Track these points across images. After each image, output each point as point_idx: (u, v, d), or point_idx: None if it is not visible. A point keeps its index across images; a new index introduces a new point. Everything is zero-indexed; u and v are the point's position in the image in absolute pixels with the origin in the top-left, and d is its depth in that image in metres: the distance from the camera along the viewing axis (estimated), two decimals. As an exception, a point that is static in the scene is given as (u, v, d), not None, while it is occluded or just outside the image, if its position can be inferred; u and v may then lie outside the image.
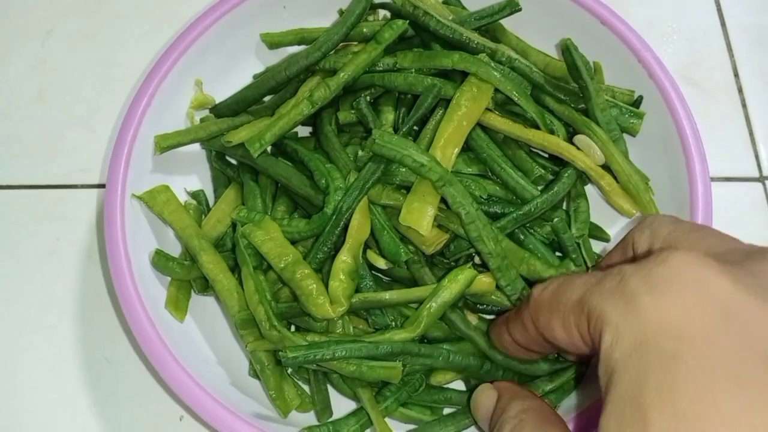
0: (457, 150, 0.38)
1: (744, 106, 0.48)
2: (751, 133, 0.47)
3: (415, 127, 0.39)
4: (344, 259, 0.35)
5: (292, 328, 0.37)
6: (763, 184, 0.45)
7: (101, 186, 0.45)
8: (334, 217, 0.36)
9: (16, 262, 0.43)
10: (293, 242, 0.37)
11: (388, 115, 0.41)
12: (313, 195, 0.38)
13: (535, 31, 0.44)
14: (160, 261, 0.37)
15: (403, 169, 0.37)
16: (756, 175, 0.46)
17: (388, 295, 0.35)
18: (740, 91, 0.48)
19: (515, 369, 0.35)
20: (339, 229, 0.36)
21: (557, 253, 0.39)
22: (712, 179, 0.44)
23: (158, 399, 0.38)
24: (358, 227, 0.36)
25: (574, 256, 0.37)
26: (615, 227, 0.41)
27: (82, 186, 0.45)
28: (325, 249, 0.36)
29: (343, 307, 0.34)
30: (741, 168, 0.46)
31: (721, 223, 0.41)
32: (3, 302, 0.42)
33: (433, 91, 0.38)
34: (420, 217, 0.36)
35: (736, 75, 0.49)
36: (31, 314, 0.41)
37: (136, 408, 0.39)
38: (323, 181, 0.38)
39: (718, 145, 0.46)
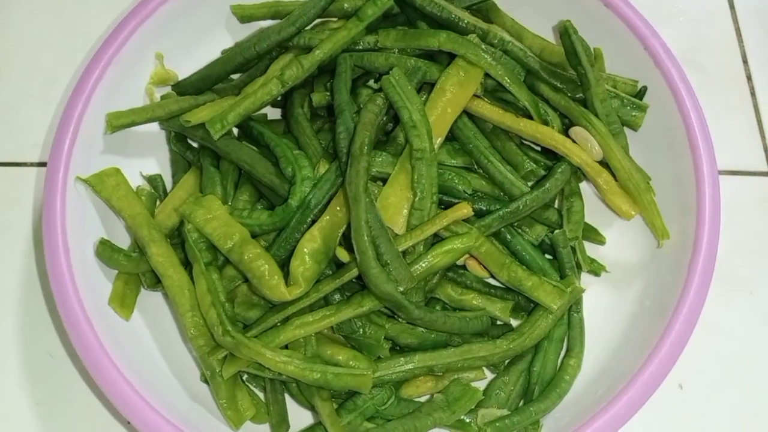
0: (440, 140, 0.35)
1: (753, 94, 0.45)
2: (759, 124, 0.44)
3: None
4: (312, 238, 0.32)
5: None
6: (772, 178, 0.42)
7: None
8: (300, 211, 0.33)
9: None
10: (254, 236, 0.33)
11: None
12: (278, 184, 0.34)
13: (532, 12, 0.40)
14: (105, 252, 0.34)
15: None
16: (764, 168, 0.43)
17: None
18: (749, 78, 0.45)
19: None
20: (305, 225, 0.33)
21: (547, 256, 0.36)
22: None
23: (106, 401, 0.35)
24: (340, 207, 0.32)
25: (568, 264, 0.34)
26: (612, 230, 0.38)
27: (32, 164, 0.42)
28: (288, 246, 0.33)
29: (300, 289, 0.31)
30: (748, 161, 0.43)
31: (725, 220, 0.38)
32: (-60, 290, 0.38)
33: (348, 61, 0.35)
34: (395, 214, 0.33)
35: (745, 62, 0.46)
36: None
37: (82, 408, 0.36)
38: (289, 170, 0.34)
39: (723, 136, 0.42)
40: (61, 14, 0.46)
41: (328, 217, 0.33)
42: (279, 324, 0.32)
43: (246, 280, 0.33)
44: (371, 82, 0.38)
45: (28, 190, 0.41)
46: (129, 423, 0.35)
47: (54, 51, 0.45)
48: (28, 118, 0.43)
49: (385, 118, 0.35)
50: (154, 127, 0.39)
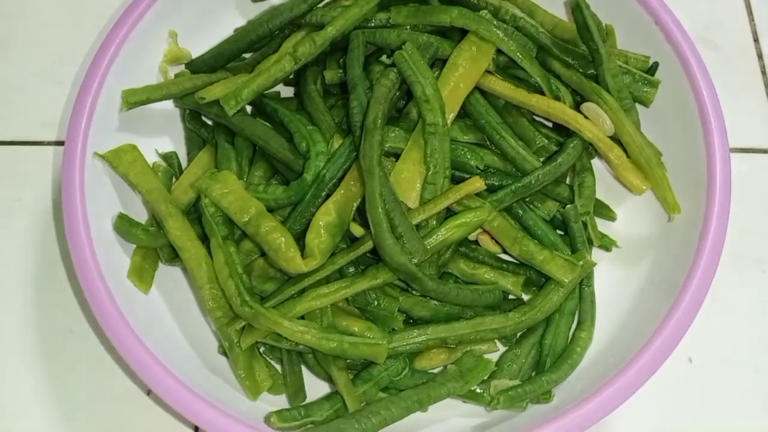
0: (452, 115, 0.35)
1: (764, 73, 0.45)
2: (771, 103, 0.44)
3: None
4: (327, 211, 0.32)
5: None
6: (786, 158, 0.42)
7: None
8: (314, 185, 0.33)
9: (-26, 223, 0.40)
10: (270, 210, 0.34)
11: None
12: (293, 159, 0.35)
13: (544, -12, 0.40)
14: (123, 226, 0.34)
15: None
16: (775, 146, 0.43)
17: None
18: (760, 57, 0.45)
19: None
20: (320, 199, 0.33)
21: (558, 231, 0.36)
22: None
23: (128, 371, 0.36)
24: (354, 181, 0.33)
25: (579, 238, 0.34)
26: (623, 206, 0.38)
27: (47, 143, 0.42)
28: (303, 220, 0.33)
29: (316, 261, 0.31)
30: (759, 139, 0.43)
31: (736, 198, 0.38)
32: (-42, 265, 0.39)
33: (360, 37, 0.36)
34: (409, 188, 0.33)
35: (756, 40, 0.46)
36: (-13, 280, 0.39)
37: (101, 381, 0.37)
38: (304, 145, 0.34)
39: (735, 115, 0.42)
40: (71, -8, 0.47)
41: (342, 191, 0.33)
42: (295, 295, 0.32)
43: (262, 254, 0.34)
44: (384, 58, 0.38)
45: (43, 167, 0.42)
46: (149, 394, 0.36)
47: (61, 30, 0.46)
48: (37, 97, 0.44)
49: (398, 93, 0.35)
50: (168, 105, 0.40)
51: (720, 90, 0.38)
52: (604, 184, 0.38)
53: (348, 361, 0.32)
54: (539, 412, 0.32)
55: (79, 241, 0.32)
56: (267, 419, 0.31)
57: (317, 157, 0.34)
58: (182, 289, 0.36)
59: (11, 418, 0.36)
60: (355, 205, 0.33)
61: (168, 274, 0.36)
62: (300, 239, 0.33)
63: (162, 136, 0.39)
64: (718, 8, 0.47)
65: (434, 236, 0.32)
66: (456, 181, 0.35)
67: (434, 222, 0.33)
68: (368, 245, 0.32)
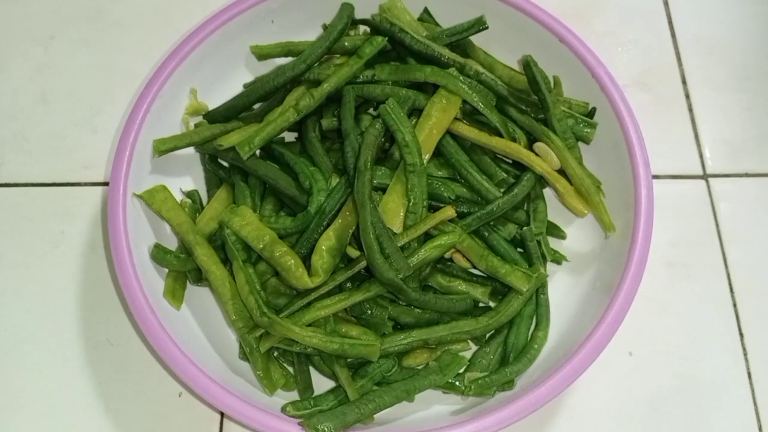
0: (428, 156, 0.42)
1: (690, 110, 0.52)
2: (696, 136, 0.51)
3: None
4: (329, 237, 0.39)
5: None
6: (707, 181, 0.50)
7: (104, 183, 0.49)
8: (317, 216, 0.40)
9: (23, 254, 0.46)
10: (280, 237, 0.41)
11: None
12: (298, 195, 0.42)
13: (501, 46, 0.48)
14: (159, 254, 0.41)
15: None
16: (700, 173, 0.50)
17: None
18: (687, 96, 0.53)
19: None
20: (321, 227, 0.40)
21: (518, 249, 0.43)
22: (661, 176, 0.49)
23: (158, 377, 0.42)
24: (350, 212, 0.39)
25: (535, 254, 0.42)
26: (570, 226, 0.45)
27: (86, 183, 0.49)
28: (308, 245, 0.40)
29: (320, 278, 0.38)
30: (687, 167, 0.50)
31: (667, 217, 0.46)
32: (11, 290, 0.45)
33: (351, 93, 0.43)
34: (394, 216, 0.40)
35: (684, 82, 0.53)
36: (37, 301, 0.45)
37: (137, 386, 0.42)
38: (307, 183, 0.42)
39: (667, 146, 0.50)
40: (100, 53, 0.53)
41: (340, 221, 0.40)
42: (303, 307, 0.39)
43: (275, 275, 0.41)
44: (371, 110, 0.45)
45: (83, 205, 0.48)
46: (180, 395, 0.43)
47: (95, 85, 0.52)
48: (77, 143, 0.50)
49: (383, 139, 0.43)
50: (189, 150, 0.46)
51: (653, 125, 0.45)
52: (555, 208, 0.45)
53: (348, 360, 0.39)
54: (504, 397, 0.39)
55: (124, 267, 0.39)
56: (284, 409, 0.38)
57: (318, 192, 0.41)
58: (206, 306, 0.43)
59: (65, 418, 0.42)
60: (351, 231, 0.40)
61: (193, 293, 0.43)
62: (306, 261, 0.40)
63: (185, 176, 0.46)
64: (652, 56, 0.54)
65: (416, 256, 0.39)
66: (432, 209, 0.42)
67: (415, 244, 0.40)
68: (362, 264, 0.39)
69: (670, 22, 0.56)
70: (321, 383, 0.41)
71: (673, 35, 0.55)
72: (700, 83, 0.53)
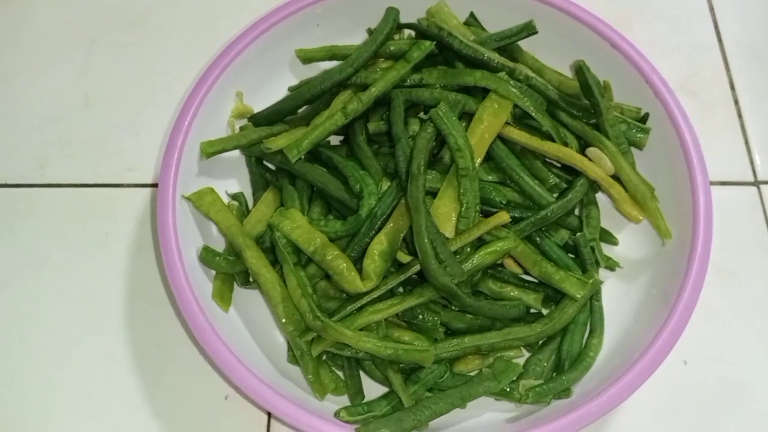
0: (479, 160, 0.42)
1: (740, 116, 0.52)
2: (746, 141, 0.51)
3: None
4: (380, 241, 0.38)
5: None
6: (758, 187, 0.49)
7: (148, 185, 0.49)
8: (369, 219, 0.40)
9: (69, 256, 0.46)
10: (330, 241, 0.40)
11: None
12: (348, 198, 0.41)
13: (550, 51, 0.47)
14: (208, 256, 0.41)
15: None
16: (751, 179, 0.49)
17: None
18: (736, 102, 0.52)
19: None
20: (373, 231, 0.40)
21: (570, 255, 0.43)
22: (710, 184, 0.48)
23: (205, 380, 0.42)
24: (401, 216, 0.39)
25: (588, 261, 0.41)
26: (623, 232, 0.45)
27: (129, 185, 0.49)
28: (359, 248, 0.40)
29: (373, 282, 0.37)
30: (737, 173, 0.50)
31: (716, 222, 0.45)
32: (57, 293, 0.45)
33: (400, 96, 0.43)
34: (446, 221, 0.40)
35: (732, 88, 0.53)
36: (83, 304, 0.45)
37: (184, 388, 0.42)
38: (357, 187, 0.41)
39: (715, 152, 0.49)
40: (141, 57, 0.53)
41: (391, 225, 0.40)
42: (355, 312, 0.39)
43: (324, 278, 0.40)
44: (421, 114, 0.45)
45: (127, 206, 0.48)
46: (227, 398, 0.42)
47: (137, 88, 0.52)
48: (120, 146, 0.50)
49: (434, 143, 0.42)
50: (234, 153, 0.46)
51: (701, 131, 0.44)
52: (606, 214, 0.44)
53: (401, 365, 0.39)
54: (560, 405, 0.38)
55: (174, 269, 0.39)
56: (337, 414, 0.37)
57: (369, 196, 0.40)
58: (254, 308, 0.43)
59: (114, 421, 0.41)
60: (402, 235, 0.40)
61: (241, 296, 0.43)
62: (356, 264, 0.40)
63: (230, 178, 0.46)
64: (700, 60, 0.53)
65: (470, 261, 0.39)
66: (483, 213, 0.41)
67: (468, 249, 0.40)
68: (415, 268, 0.39)
69: (716, 27, 0.55)
70: (370, 388, 0.40)
71: (719, 40, 0.55)
72: (748, 88, 0.53)
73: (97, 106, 0.52)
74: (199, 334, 0.37)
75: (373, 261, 0.38)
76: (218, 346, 0.37)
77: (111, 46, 0.54)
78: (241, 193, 0.45)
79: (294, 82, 0.48)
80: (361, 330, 0.38)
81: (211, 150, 0.43)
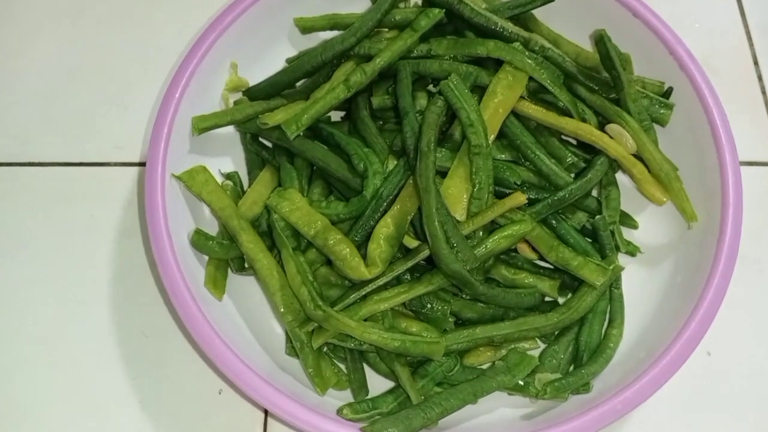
0: (492, 136, 0.39)
1: (764, 93, 0.49)
2: (771, 120, 0.48)
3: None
4: (386, 224, 0.36)
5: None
6: (783, 169, 0.46)
7: (136, 164, 0.46)
8: (374, 201, 0.37)
9: (52, 239, 0.43)
10: (332, 224, 0.37)
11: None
12: (351, 178, 0.39)
13: (566, 22, 0.44)
14: (200, 240, 0.38)
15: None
16: (776, 159, 0.47)
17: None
18: (760, 78, 0.49)
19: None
20: (378, 213, 0.37)
21: (587, 239, 0.40)
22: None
23: (197, 373, 0.39)
24: (409, 197, 0.36)
25: (608, 245, 0.38)
26: (644, 215, 0.42)
27: (116, 164, 0.46)
28: (364, 232, 0.37)
29: (378, 269, 0.35)
30: (760, 153, 0.47)
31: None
32: (41, 278, 0.42)
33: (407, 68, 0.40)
34: (457, 203, 0.37)
35: (756, 63, 0.50)
36: (68, 290, 0.42)
37: (175, 382, 0.40)
38: (361, 165, 0.38)
39: (738, 131, 0.46)
40: (130, 28, 0.50)
41: (398, 206, 0.37)
42: (359, 300, 0.36)
43: (326, 264, 0.38)
44: (430, 86, 0.42)
45: (114, 186, 0.45)
46: (221, 392, 0.39)
47: (125, 61, 0.49)
48: (106, 122, 0.47)
49: (444, 118, 0.39)
50: (228, 129, 0.43)
51: (726, 109, 0.42)
52: (625, 195, 0.41)
53: (408, 358, 0.36)
54: (579, 401, 0.35)
55: (164, 254, 0.36)
56: (339, 411, 0.34)
57: (374, 176, 0.38)
58: (249, 296, 0.40)
59: (100, 414, 0.39)
60: (410, 218, 0.37)
61: (235, 282, 0.40)
62: (360, 249, 0.37)
63: (224, 156, 0.43)
64: (718, 35, 0.51)
65: (483, 246, 0.36)
66: (496, 194, 0.39)
67: (481, 233, 0.37)
68: (424, 254, 0.36)
69: (738, 1, 0.52)
70: (375, 383, 0.38)
71: (742, 14, 0.52)
72: (773, 64, 0.50)
73: (83, 79, 0.49)
74: (191, 324, 0.34)
75: (379, 246, 0.35)
76: (211, 336, 0.34)
77: (98, 16, 0.51)
78: (236, 173, 0.42)
79: (292, 53, 0.45)
80: (366, 320, 0.35)
81: (203, 125, 0.40)
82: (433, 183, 0.35)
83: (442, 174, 0.38)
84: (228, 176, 0.42)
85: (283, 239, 0.37)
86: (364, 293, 0.36)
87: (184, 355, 0.40)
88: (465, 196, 0.37)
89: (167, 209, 0.37)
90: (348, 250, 0.35)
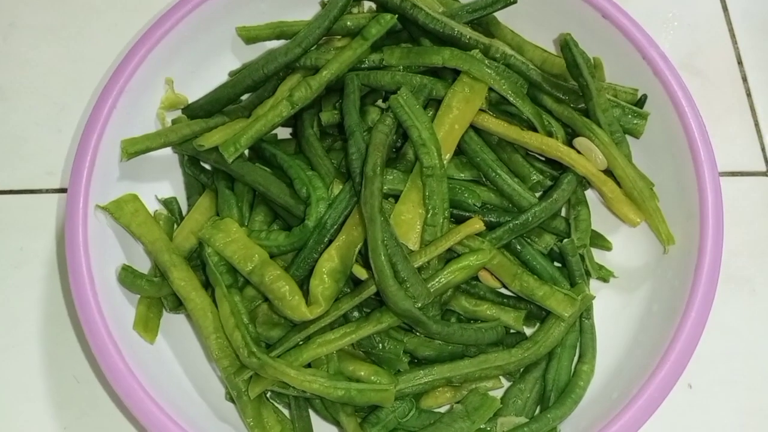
0: (448, 156, 0.35)
1: (749, 95, 0.46)
2: (756, 125, 0.45)
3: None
4: (330, 257, 0.32)
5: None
6: (771, 178, 0.43)
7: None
8: (316, 231, 0.34)
9: (-24, 275, 0.40)
10: (272, 257, 0.34)
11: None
12: (293, 205, 0.35)
13: (532, 24, 0.41)
14: (128, 278, 0.35)
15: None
16: (763, 168, 0.44)
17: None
18: (744, 80, 0.46)
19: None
20: (322, 245, 0.33)
21: (556, 263, 0.37)
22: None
23: (134, 421, 0.36)
24: (355, 226, 0.33)
25: (577, 271, 0.35)
26: (617, 234, 0.39)
27: (48, 191, 0.43)
28: (306, 266, 0.33)
29: (320, 308, 0.32)
30: (746, 162, 0.44)
31: (727, 223, 0.39)
32: (-37, 319, 0.39)
33: (355, 81, 0.37)
34: (409, 230, 0.34)
35: (740, 63, 0.47)
36: (-7, 332, 0.39)
37: (109, 430, 0.36)
38: (304, 191, 0.35)
39: (722, 138, 0.44)
40: (66, 41, 0.47)
41: (344, 237, 0.33)
42: (301, 343, 0.33)
43: (267, 300, 0.34)
44: (379, 102, 0.38)
45: (46, 216, 0.42)
46: (157, 443, 0.36)
47: (61, 78, 0.46)
48: (40, 145, 0.44)
49: (394, 137, 0.36)
50: (167, 150, 0.40)
51: (705, 115, 0.39)
52: (598, 213, 0.39)
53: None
54: (546, 448, 0.32)
55: (84, 296, 0.33)
56: (278, 468, 0.31)
57: (318, 203, 0.34)
58: (187, 337, 0.37)
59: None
60: (357, 248, 0.34)
61: (173, 321, 0.37)
62: (303, 284, 0.34)
63: (162, 181, 0.40)
64: (701, 35, 0.48)
65: (437, 279, 0.33)
66: (454, 218, 0.35)
67: (436, 263, 0.34)
68: (372, 290, 0.32)
69: (720, -7, 0.49)
70: (325, 429, 0.34)
71: (725, 9, 0.48)
72: (759, 65, 0.46)
73: (14, 98, 0.45)
74: (110, 374, 0.31)
75: (322, 282, 0.32)
76: (134, 390, 0.31)
77: (31, 29, 0.47)
78: (174, 199, 0.39)
79: (237, 65, 0.42)
80: (309, 365, 0.32)
81: (133, 150, 0.37)
82: (379, 212, 0.32)
83: (396, 197, 0.35)
84: (165, 203, 0.39)
85: (217, 276, 0.33)
86: (306, 335, 0.33)
87: (119, 403, 0.37)
88: (418, 223, 0.34)
89: (89, 244, 0.34)
90: (287, 287, 0.32)
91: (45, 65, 0.46)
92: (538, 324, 0.36)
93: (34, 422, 0.37)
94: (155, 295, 0.35)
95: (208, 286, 0.35)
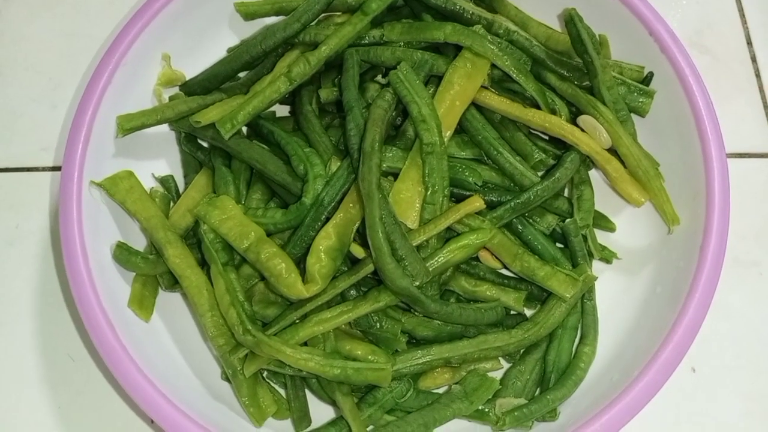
0: (449, 133, 0.35)
1: (758, 75, 0.45)
2: (765, 106, 0.44)
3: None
4: (327, 235, 0.32)
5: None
6: (779, 160, 0.42)
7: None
8: (314, 208, 0.33)
9: (-29, 253, 0.40)
10: (269, 234, 0.33)
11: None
12: (291, 182, 0.35)
13: (536, 0, 0.40)
14: (123, 255, 0.34)
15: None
16: (771, 150, 0.43)
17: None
18: (754, 60, 0.45)
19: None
20: (319, 222, 0.33)
21: (558, 244, 0.36)
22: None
23: (128, 400, 0.36)
24: (353, 204, 0.32)
25: (580, 252, 0.34)
26: (621, 215, 0.38)
27: (44, 168, 0.42)
28: (303, 244, 0.33)
29: (317, 286, 0.31)
30: (755, 143, 0.43)
31: (733, 203, 0.38)
32: (-43, 297, 0.39)
33: (355, 56, 0.36)
34: (408, 208, 0.33)
35: (750, 43, 0.46)
36: (-12, 310, 0.38)
37: (104, 409, 0.36)
38: (301, 168, 0.34)
39: (730, 119, 0.43)
40: (62, 16, 0.46)
41: (341, 214, 0.33)
42: (297, 321, 0.32)
43: (263, 278, 0.34)
44: (379, 77, 0.37)
45: (41, 194, 0.41)
46: (153, 422, 0.36)
47: (56, 53, 0.45)
48: (35, 122, 0.43)
49: (394, 113, 0.35)
50: (164, 128, 0.39)
51: (713, 94, 0.38)
52: (601, 193, 0.38)
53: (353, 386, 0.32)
54: (545, 429, 0.32)
55: (78, 273, 0.32)
56: (274, 448, 0.31)
57: (315, 180, 0.34)
58: (183, 315, 0.36)
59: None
60: (355, 227, 0.33)
61: (169, 300, 0.36)
62: (300, 262, 0.33)
63: (158, 159, 0.39)
64: (710, 12, 0.47)
65: (436, 258, 0.32)
66: (454, 197, 0.35)
67: (435, 242, 0.33)
68: (369, 268, 0.32)
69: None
70: (320, 408, 0.34)
71: (734, -16, 0.47)
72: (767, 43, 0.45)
73: (9, 74, 0.45)
74: (104, 352, 0.31)
75: (319, 260, 0.31)
76: (128, 368, 0.30)
77: (26, 4, 0.47)
78: (170, 177, 0.39)
79: (235, 42, 0.41)
80: (305, 344, 0.32)
81: (128, 126, 0.36)
82: (377, 188, 0.31)
83: (395, 175, 0.34)
84: (161, 181, 0.38)
85: (213, 253, 0.33)
86: (303, 313, 0.32)
87: (114, 381, 0.36)
88: (417, 201, 0.33)
89: (84, 221, 0.33)
90: (283, 265, 0.31)
91: (40, 40, 0.46)
92: (538, 305, 0.35)
93: (28, 401, 0.36)
94: (150, 273, 0.35)
95: (204, 264, 0.34)
